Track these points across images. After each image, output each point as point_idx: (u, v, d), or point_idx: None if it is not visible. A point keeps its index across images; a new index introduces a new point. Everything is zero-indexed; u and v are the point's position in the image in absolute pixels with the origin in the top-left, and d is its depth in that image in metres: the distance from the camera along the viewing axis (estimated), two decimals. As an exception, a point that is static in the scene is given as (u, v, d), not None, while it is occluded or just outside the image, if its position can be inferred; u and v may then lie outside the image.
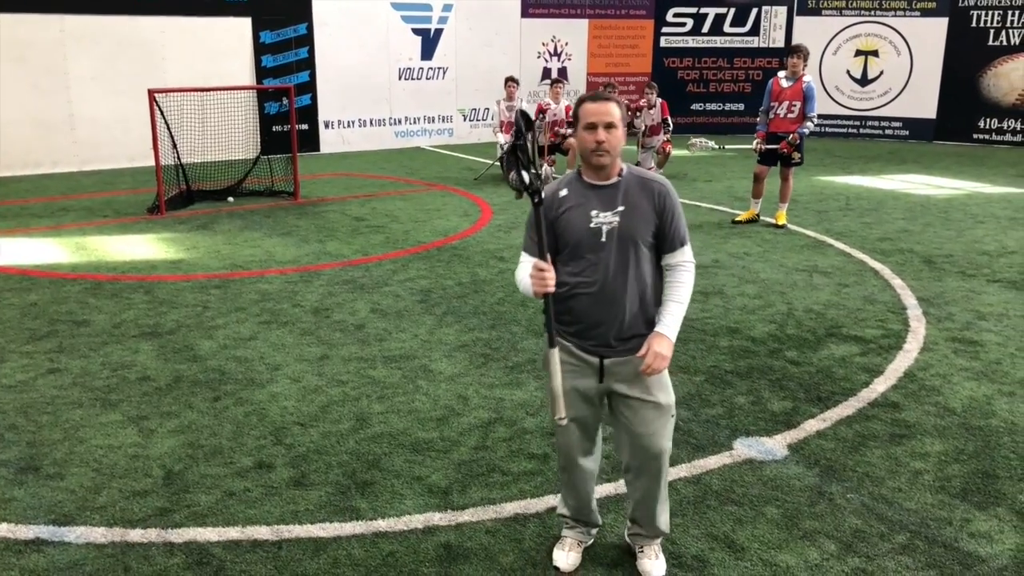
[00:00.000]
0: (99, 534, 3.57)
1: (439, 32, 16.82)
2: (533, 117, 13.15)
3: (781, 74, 9.27)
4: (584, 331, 3.08)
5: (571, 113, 13.25)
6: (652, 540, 3.36)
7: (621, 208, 3.00)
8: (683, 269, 3.09)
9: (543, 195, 2.99)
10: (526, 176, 2.94)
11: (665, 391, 3.15)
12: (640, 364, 3.04)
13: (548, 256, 2.96)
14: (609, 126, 2.95)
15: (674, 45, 18.67)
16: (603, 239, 3.00)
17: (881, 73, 17.70)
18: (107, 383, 5.17)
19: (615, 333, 3.04)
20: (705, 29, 18.51)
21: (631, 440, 3.18)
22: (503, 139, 12.75)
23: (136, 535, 3.56)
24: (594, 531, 3.49)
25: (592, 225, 3.00)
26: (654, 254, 3.08)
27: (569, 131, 12.08)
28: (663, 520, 3.33)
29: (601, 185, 3.04)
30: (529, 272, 2.98)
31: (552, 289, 2.91)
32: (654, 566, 3.30)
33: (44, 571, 3.32)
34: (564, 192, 3.08)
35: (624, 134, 3.04)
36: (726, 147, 10.99)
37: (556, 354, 2.96)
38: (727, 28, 18.44)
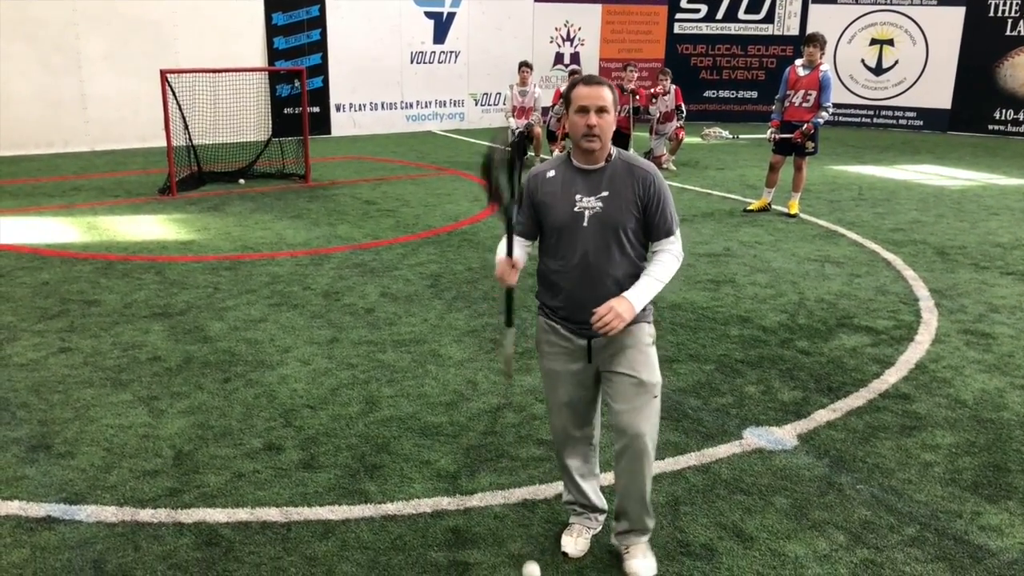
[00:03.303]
0: (110, 513, 3.59)
1: (452, 16, 16.75)
2: (551, 103, 13.08)
3: (798, 62, 9.21)
4: (571, 314, 3.08)
5: (562, 96, 12.95)
6: (639, 537, 3.27)
7: (605, 193, 2.98)
8: (667, 252, 3.06)
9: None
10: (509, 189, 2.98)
11: (649, 369, 3.11)
12: (627, 340, 3.05)
13: (518, 251, 3.05)
14: (601, 110, 2.92)
15: (688, 31, 18.56)
16: (584, 223, 2.98)
17: (896, 62, 17.57)
18: (118, 363, 5.19)
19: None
20: (719, 16, 18.39)
21: (614, 417, 3.14)
22: (515, 124, 12.70)
23: (146, 515, 3.58)
24: (601, 517, 3.48)
25: (576, 209, 2.99)
26: (639, 241, 3.06)
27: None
28: (649, 511, 3.25)
29: (588, 169, 3.02)
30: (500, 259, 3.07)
31: (512, 284, 3.02)
32: (642, 566, 3.20)
33: (55, 549, 3.34)
34: (551, 174, 3.06)
35: (615, 120, 3.01)
36: (739, 136, 10.92)
37: (512, 332, 3.19)
38: (741, 15, 18.32)
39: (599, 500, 3.46)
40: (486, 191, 2.98)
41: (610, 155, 3.03)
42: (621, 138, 11.96)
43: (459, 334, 5.74)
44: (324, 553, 3.34)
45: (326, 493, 3.77)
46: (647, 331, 3.13)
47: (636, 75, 12.26)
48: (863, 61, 17.80)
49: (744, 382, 5.03)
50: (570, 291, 3.04)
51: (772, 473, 4.00)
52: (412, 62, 16.56)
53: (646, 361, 3.11)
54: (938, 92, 17.28)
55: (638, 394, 3.09)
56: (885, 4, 17.40)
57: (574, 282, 3.03)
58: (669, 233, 3.05)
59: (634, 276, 3.04)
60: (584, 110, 2.92)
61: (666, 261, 3.04)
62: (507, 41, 17.21)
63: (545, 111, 13.33)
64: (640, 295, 2.98)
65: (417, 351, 5.43)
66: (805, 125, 9.07)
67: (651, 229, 3.04)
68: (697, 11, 18.44)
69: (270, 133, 12.77)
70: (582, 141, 2.96)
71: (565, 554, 3.34)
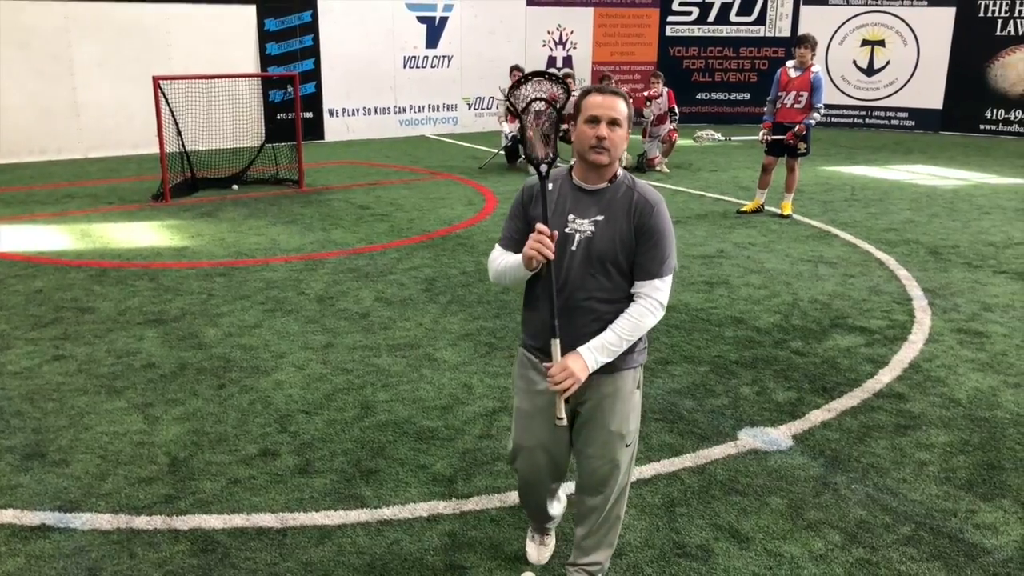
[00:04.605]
0: (105, 520, 3.58)
1: (444, 20, 16.76)
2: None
3: (790, 64, 9.24)
4: (547, 346, 2.76)
5: (574, 105, 12.96)
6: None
7: (599, 218, 2.72)
8: (643, 300, 2.74)
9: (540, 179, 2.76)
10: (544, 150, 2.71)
11: (622, 418, 2.87)
12: (606, 388, 2.84)
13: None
14: (613, 123, 2.67)
15: (680, 34, 18.59)
16: (573, 247, 2.73)
17: (887, 63, 17.63)
18: (112, 370, 5.18)
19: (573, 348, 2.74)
20: (711, 18, 18.44)
21: (580, 461, 2.97)
22: (507, 128, 12.71)
23: (142, 522, 3.57)
24: (558, 517, 3.39)
25: (567, 230, 2.74)
26: (628, 276, 2.77)
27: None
28: (601, 562, 3.09)
29: (587, 189, 2.77)
30: (503, 254, 2.83)
31: (551, 256, 2.61)
32: None
33: (50, 557, 3.33)
34: (549, 187, 2.77)
35: (627, 135, 2.75)
36: (732, 138, 10.95)
37: (557, 344, 2.71)
38: (733, 17, 18.37)
39: (555, 508, 3.32)
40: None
41: (615, 176, 2.78)
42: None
43: (454, 338, 5.74)
44: (320, 558, 3.34)
45: (322, 498, 3.77)
46: (631, 377, 2.88)
47: (613, 83, 12.27)
48: (855, 62, 17.85)
49: (739, 383, 5.04)
50: (549, 302, 2.71)
51: (767, 473, 4.01)
52: (405, 66, 16.57)
53: (623, 410, 2.87)
54: (929, 92, 17.34)
55: (607, 442, 2.88)
56: (876, 5, 17.46)
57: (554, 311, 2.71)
58: (653, 276, 2.73)
59: (618, 314, 2.76)
60: (595, 120, 2.67)
61: (638, 315, 2.73)
62: (500, 45, 17.23)
63: (538, 114, 13.32)
64: (598, 354, 2.71)
65: (412, 355, 5.43)
66: (797, 126, 9.10)
67: (636, 266, 2.74)
68: (689, 14, 18.48)
69: (263, 139, 12.76)
70: (589, 153, 2.69)
71: (528, 563, 3.32)
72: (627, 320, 2.74)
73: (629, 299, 2.78)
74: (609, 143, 2.68)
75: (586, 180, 2.79)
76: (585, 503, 3.03)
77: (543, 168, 2.72)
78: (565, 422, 2.77)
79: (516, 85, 2.77)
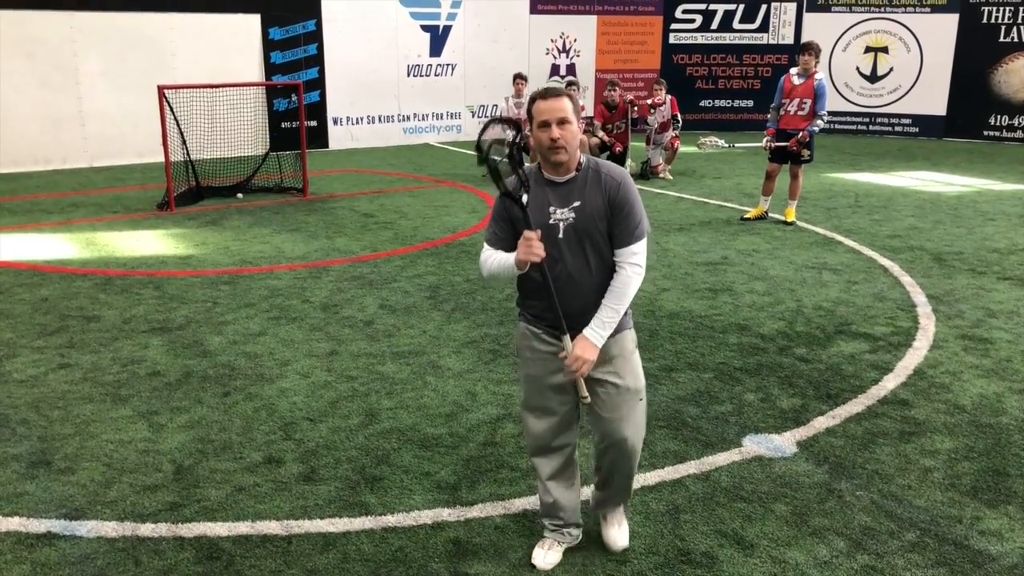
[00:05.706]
0: (110, 528, 3.59)
1: (448, 29, 16.81)
2: None
3: (793, 71, 9.25)
4: (553, 320, 3.09)
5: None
6: (616, 507, 3.45)
7: (577, 203, 3.01)
8: (624, 269, 3.04)
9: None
10: (515, 180, 3.01)
11: (634, 375, 3.18)
12: (612, 349, 3.10)
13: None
14: (562, 122, 2.94)
15: (683, 42, 18.63)
16: (560, 235, 3.02)
17: (891, 70, 17.63)
18: (117, 378, 5.19)
19: (583, 322, 3.04)
20: (714, 26, 18.46)
21: (599, 423, 3.21)
22: (511, 136, 12.72)
23: (147, 529, 3.58)
24: (576, 531, 3.43)
25: (550, 221, 3.02)
26: (611, 248, 3.08)
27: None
28: (630, 489, 3.44)
29: (559, 181, 3.04)
30: (494, 254, 3.09)
31: (543, 255, 2.92)
32: (618, 536, 3.42)
33: (56, 565, 3.34)
34: (523, 198, 3.04)
35: (579, 127, 3.03)
36: (735, 145, 10.96)
37: (567, 339, 3.03)
38: (736, 25, 18.40)
39: (574, 515, 3.41)
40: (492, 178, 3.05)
41: (580, 164, 3.05)
42: (620, 154, 12.00)
43: (458, 345, 5.74)
44: (325, 566, 3.34)
45: (326, 506, 3.77)
46: (630, 338, 3.20)
47: (619, 92, 12.28)
48: (858, 69, 17.86)
49: (743, 390, 5.04)
50: (551, 301, 3.03)
51: (772, 480, 4.00)
52: (409, 75, 16.61)
53: (631, 368, 3.18)
54: (933, 99, 17.33)
55: (625, 400, 3.16)
56: (879, 12, 17.48)
57: (555, 292, 3.02)
58: (631, 241, 3.04)
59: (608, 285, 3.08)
60: (546, 124, 2.95)
61: (623, 283, 3.04)
62: (503, 53, 17.27)
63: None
64: (598, 329, 3.03)
65: (416, 363, 5.44)
66: (801, 133, 9.10)
67: (613, 236, 3.04)
68: (692, 21, 18.51)
69: (268, 147, 12.80)
70: (549, 155, 2.98)
71: (532, 566, 3.32)
72: (614, 291, 3.05)
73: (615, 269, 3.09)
74: (563, 141, 2.95)
75: (556, 174, 3.06)
76: (610, 457, 3.27)
77: (523, 197, 2.99)
78: (590, 399, 3.10)
79: (482, 133, 3.09)
